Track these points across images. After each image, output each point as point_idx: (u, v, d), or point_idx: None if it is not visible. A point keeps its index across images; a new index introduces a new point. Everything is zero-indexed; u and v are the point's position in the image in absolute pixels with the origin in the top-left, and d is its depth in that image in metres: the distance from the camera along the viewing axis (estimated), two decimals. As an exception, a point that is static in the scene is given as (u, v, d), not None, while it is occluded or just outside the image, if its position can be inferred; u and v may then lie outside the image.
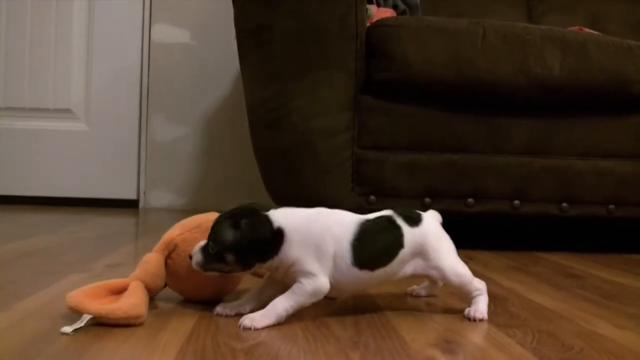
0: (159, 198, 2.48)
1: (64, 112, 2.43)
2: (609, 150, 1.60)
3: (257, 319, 0.78)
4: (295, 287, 0.80)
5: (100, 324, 0.74)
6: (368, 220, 0.85)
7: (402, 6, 2.14)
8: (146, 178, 2.47)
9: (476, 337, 0.79)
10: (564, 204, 1.59)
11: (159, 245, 0.86)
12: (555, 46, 1.55)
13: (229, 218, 0.80)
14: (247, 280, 0.96)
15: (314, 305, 0.80)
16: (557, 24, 2.22)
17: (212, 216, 0.91)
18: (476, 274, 1.21)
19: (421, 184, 1.55)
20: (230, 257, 0.79)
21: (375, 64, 1.53)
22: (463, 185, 1.56)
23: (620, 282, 1.22)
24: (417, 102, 1.55)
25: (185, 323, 0.79)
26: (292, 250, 0.79)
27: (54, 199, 2.40)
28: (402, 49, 1.51)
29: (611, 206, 1.60)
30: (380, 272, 0.83)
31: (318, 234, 0.80)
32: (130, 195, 2.46)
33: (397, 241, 0.84)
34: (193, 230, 0.87)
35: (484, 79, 1.52)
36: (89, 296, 0.75)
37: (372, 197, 1.55)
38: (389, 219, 0.86)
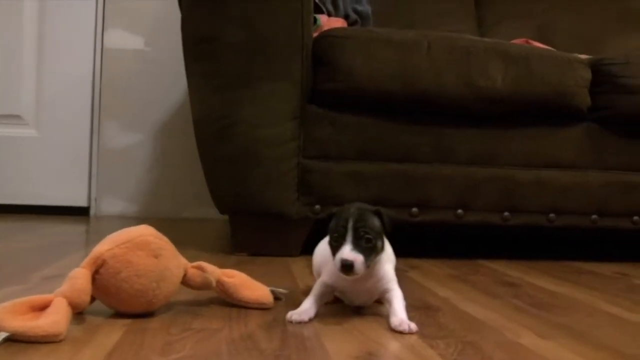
0: (110, 205, 2.45)
1: (13, 118, 2.39)
2: (550, 160, 1.64)
3: (407, 322, 0.86)
4: (393, 294, 0.91)
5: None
6: None
7: (353, 16, 2.17)
8: (97, 185, 2.44)
9: (398, 348, 0.80)
10: (506, 213, 1.62)
11: (87, 260, 0.85)
12: (499, 59, 1.58)
13: (367, 210, 0.89)
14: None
15: (247, 316, 0.80)
16: (505, 35, 2.28)
17: (145, 230, 0.91)
18: (415, 283, 1.24)
19: (367, 193, 1.56)
20: (379, 244, 0.88)
21: (322, 74, 1.55)
22: (408, 194, 1.58)
23: (554, 291, 1.25)
24: (364, 113, 1.57)
25: (111, 337, 0.79)
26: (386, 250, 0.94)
27: (1, 207, 2.36)
28: (348, 59, 1.53)
29: (551, 215, 1.64)
30: None
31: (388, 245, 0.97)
32: (81, 202, 2.43)
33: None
34: (123, 246, 0.86)
35: (428, 91, 1.55)
36: (9, 312, 0.74)
37: (317, 206, 1.56)
38: None
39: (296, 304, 0.94)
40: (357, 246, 0.85)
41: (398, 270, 0.98)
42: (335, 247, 0.87)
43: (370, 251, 0.86)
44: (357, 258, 0.84)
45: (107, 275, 0.85)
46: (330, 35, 1.58)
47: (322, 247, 1.00)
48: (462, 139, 1.60)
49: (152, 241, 0.88)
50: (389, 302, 0.91)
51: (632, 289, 1.33)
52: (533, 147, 1.64)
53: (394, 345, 0.82)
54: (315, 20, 1.88)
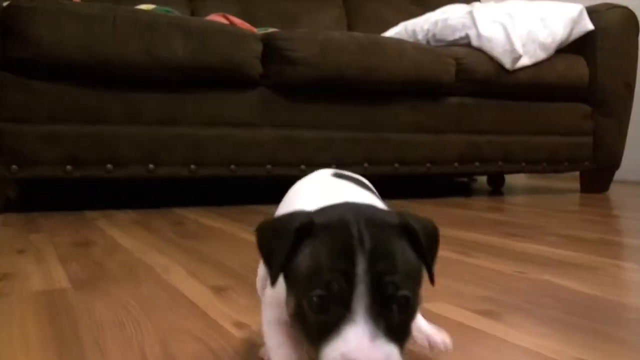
0: None
1: None
2: (229, 120, 1.93)
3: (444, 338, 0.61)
4: None
5: None
6: None
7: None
8: None
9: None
10: (193, 166, 1.89)
11: None
12: (180, 32, 1.82)
13: (388, 227, 0.42)
14: None
15: None
16: (214, 8, 2.53)
17: None
18: (98, 229, 1.43)
19: (62, 153, 1.71)
20: (416, 306, 0.42)
21: (10, 43, 1.65)
22: (102, 153, 1.76)
23: (212, 226, 1.54)
24: (56, 79, 1.70)
25: None
26: None
27: None
28: (35, 30, 1.65)
29: (232, 166, 1.94)
30: None
31: None
32: None
33: None
34: None
35: (114, 60, 1.73)
36: None
37: (14, 166, 1.67)
38: None
39: None
40: (383, 325, 0.39)
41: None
42: (321, 326, 0.40)
43: (408, 329, 0.41)
44: (392, 357, 0.38)
45: None
46: (17, 5, 1.67)
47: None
48: (148, 102, 1.81)
49: None
50: None
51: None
52: (214, 108, 1.91)
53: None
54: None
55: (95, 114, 1.75)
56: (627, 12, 2.64)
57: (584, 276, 1.01)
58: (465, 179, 3.47)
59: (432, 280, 0.44)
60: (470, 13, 2.48)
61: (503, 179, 3.04)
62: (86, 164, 1.75)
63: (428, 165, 2.28)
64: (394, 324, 0.39)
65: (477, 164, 2.39)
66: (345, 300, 0.38)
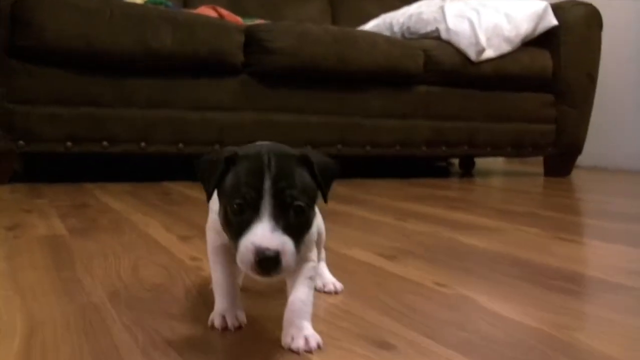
0: None
1: None
2: (213, 104, 2.15)
3: (313, 334, 0.60)
4: (303, 271, 0.62)
5: None
6: None
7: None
8: None
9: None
10: (181, 145, 2.11)
11: None
12: (169, 24, 2.04)
13: (290, 157, 0.58)
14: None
15: None
16: (201, 1, 2.75)
17: None
18: (92, 194, 1.65)
19: (63, 131, 1.94)
20: (311, 218, 0.58)
21: (18, 32, 1.87)
22: (98, 132, 1.99)
23: (190, 195, 1.77)
24: (57, 65, 1.93)
25: None
26: None
27: None
28: (40, 20, 1.87)
29: (217, 145, 2.16)
30: None
31: None
32: None
33: None
34: None
35: (109, 49, 1.95)
36: None
37: (21, 142, 1.90)
38: None
39: None
40: (281, 223, 0.54)
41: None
42: (239, 225, 0.55)
43: (302, 229, 0.56)
44: (285, 246, 0.53)
45: None
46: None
47: None
48: (140, 87, 2.04)
49: None
50: (293, 281, 0.63)
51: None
52: (199, 93, 2.13)
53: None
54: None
55: (92, 97, 1.98)
56: (591, 9, 2.84)
57: (485, 235, 1.24)
58: (444, 163, 3.69)
59: (325, 200, 0.59)
60: (442, 8, 2.69)
61: (473, 163, 3.26)
62: (84, 141, 1.97)
63: (397, 147, 2.50)
64: (291, 225, 0.54)
65: (443, 147, 2.61)
66: (255, 206, 0.53)
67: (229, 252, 0.61)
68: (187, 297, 0.75)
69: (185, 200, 1.67)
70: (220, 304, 0.65)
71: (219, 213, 0.58)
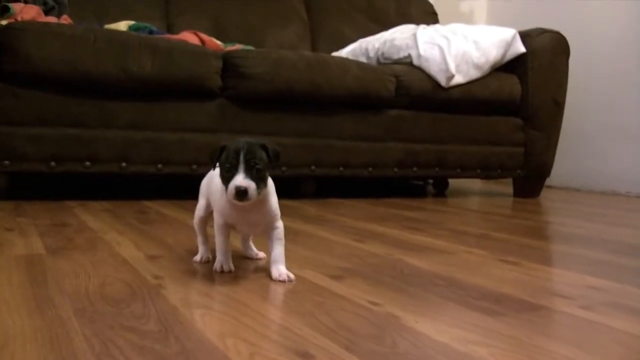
0: None
1: None
2: (191, 126, 2.26)
3: (286, 271, 1.07)
4: (276, 234, 1.08)
5: None
6: None
7: (51, 3, 2.57)
8: None
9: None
10: (160, 165, 2.21)
11: None
12: (149, 51, 2.14)
13: (255, 144, 0.99)
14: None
15: None
16: (188, 24, 2.86)
17: None
18: (73, 214, 1.74)
19: (47, 151, 2.04)
20: (267, 174, 1.01)
21: (4, 58, 1.97)
22: (80, 152, 2.09)
23: (168, 214, 1.87)
24: (42, 89, 2.03)
25: None
26: (269, 183, 1.07)
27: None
28: (26, 48, 1.97)
29: (194, 166, 2.27)
30: None
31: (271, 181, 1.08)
32: None
33: None
34: None
35: (93, 73, 2.06)
36: None
37: (6, 162, 2.00)
38: None
39: None
40: (249, 175, 0.96)
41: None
42: (227, 178, 0.97)
43: (261, 180, 0.98)
44: (250, 185, 0.96)
45: None
46: (12, 27, 2.00)
47: (209, 175, 1.19)
48: (122, 110, 2.14)
49: None
50: (271, 243, 1.09)
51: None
52: (178, 116, 2.24)
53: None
54: (8, 9, 2.27)
55: (75, 118, 2.08)
56: (557, 37, 2.98)
57: (432, 257, 1.34)
58: (421, 182, 3.81)
59: (273, 167, 1.02)
60: (414, 35, 2.82)
61: (447, 183, 3.37)
62: (67, 161, 2.07)
63: (370, 169, 2.62)
64: (254, 176, 0.97)
65: (415, 168, 2.73)
66: (235, 167, 0.97)
67: (226, 226, 1.09)
68: (143, 312, 0.84)
69: (161, 219, 1.77)
70: (219, 257, 1.12)
71: (219, 177, 1.02)
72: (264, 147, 1.00)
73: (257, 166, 0.97)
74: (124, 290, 0.96)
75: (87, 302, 0.89)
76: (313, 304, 0.93)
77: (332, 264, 1.23)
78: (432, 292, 1.04)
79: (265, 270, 1.14)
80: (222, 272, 1.10)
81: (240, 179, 0.95)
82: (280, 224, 1.09)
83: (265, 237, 1.11)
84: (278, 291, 0.99)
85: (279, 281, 1.05)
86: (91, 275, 1.05)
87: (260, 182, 0.99)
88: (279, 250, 1.09)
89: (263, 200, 1.04)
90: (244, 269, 1.16)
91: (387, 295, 1.00)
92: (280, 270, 1.07)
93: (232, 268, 1.11)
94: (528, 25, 3.15)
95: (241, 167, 0.96)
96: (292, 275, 1.07)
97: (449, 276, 1.17)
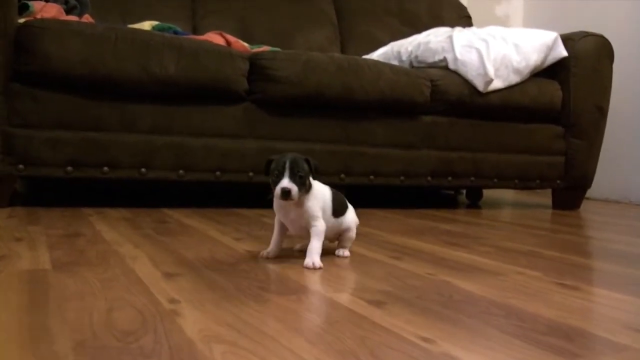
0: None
1: None
2: (215, 131, 2.14)
3: (317, 260, 1.23)
4: (314, 231, 1.25)
5: None
6: (331, 188, 1.35)
7: (72, 2, 2.48)
8: None
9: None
10: (181, 171, 2.10)
11: None
12: (173, 51, 2.03)
13: (299, 157, 1.21)
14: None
15: None
16: (214, 25, 2.75)
17: None
18: (89, 224, 1.64)
19: (64, 156, 1.93)
20: (308, 182, 1.23)
21: (22, 58, 1.87)
22: (99, 157, 1.98)
23: (189, 225, 1.74)
24: (61, 90, 1.93)
25: None
26: (313, 190, 1.27)
27: None
28: (44, 47, 1.87)
29: (218, 173, 2.15)
30: (340, 220, 1.34)
31: (320, 190, 1.30)
32: None
33: (345, 201, 1.40)
34: None
35: (113, 75, 1.95)
36: None
37: (21, 166, 1.89)
38: (332, 188, 1.35)
39: None
40: (292, 180, 1.18)
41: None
42: (275, 182, 1.20)
43: (302, 185, 1.20)
44: (293, 187, 1.18)
45: None
46: (30, 25, 1.90)
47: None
48: (143, 113, 2.03)
49: None
50: (310, 238, 1.26)
51: (256, 223, 1.88)
52: (202, 120, 2.12)
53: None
54: (27, 6, 2.17)
55: (95, 122, 1.97)
56: (601, 40, 2.81)
57: (483, 279, 1.20)
58: (452, 192, 3.65)
59: (314, 177, 1.26)
60: (450, 37, 2.67)
61: (481, 193, 3.21)
62: (85, 166, 1.96)
63: (402, 178, 2.47)
64: (296, 181, 1.19)
65: (449, 178, 2.58)
66: (282, 174, 1.19)
67: (279, 222, 1.31)
68: (154, 348, 0.72)
69: (181, 230, 1.64)
70: (271, 246, 1.32)
71: (270, 180, 1.23)
72: (306, 160, 1.22)
73: (300, 174, 1.20)
74: (133, 318, 0.83)
75: (89, 333, 0.76)
76: (354, 339, 0.79)
77: (370, 287, 1.09)
78: (490, 325, 0.89)
79: (298, 292, 1.01)
80: (267, 258, 1.30)
81: (286, 182, 1.18)
82: (318, 223, 1.27)
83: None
84: (314, 322, 0.85)
85: (307, 268, 1.21)
86: (98, 298, 0.92)
87: (302, 187, 1.21)
88: (313, 243, 1.25)
89: (302, 203, 1.24)
90: (275, 292, 1.03)
91: (438, 328, 0.86)
92: (310, 259, 1.23)
93: (273, 255, 1.31)
94: (566, 30, 2.98)
95: (286, 173, 1.19)
96: (318, 264, 1.22)
97: (505, 303, 1.02)
